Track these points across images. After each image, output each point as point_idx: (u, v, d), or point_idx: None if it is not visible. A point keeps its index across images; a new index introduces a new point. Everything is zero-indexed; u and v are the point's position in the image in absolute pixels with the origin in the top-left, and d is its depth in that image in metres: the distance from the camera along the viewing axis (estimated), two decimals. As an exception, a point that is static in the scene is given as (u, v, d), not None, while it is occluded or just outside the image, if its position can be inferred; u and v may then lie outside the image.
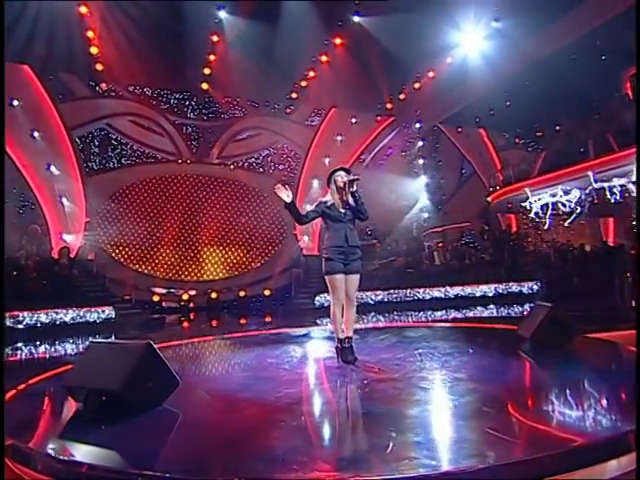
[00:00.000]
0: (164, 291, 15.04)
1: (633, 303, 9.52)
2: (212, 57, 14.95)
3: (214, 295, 15.38)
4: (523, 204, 14.74)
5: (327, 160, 17.24)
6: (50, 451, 2.43)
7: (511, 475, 1.89)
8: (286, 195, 3.98)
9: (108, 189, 15.47)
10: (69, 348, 8.25)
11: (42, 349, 8.41)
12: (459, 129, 19.70)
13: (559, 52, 13.29)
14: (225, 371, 4.36)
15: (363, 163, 18.34)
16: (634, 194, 12.00)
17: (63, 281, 11.55)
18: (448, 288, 14.04)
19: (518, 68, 14.55)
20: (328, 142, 17.54)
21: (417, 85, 16.87)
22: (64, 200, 14.12)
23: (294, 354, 4.83)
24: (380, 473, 1.88)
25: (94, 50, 13.63)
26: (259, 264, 16.98)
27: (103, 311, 11.10)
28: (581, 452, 2.08)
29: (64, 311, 10.54)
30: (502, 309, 11.90)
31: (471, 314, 11.11)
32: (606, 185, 12.20)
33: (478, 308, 12.34)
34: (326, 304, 10.69)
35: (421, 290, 13.91)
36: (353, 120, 17.82)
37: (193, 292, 15.32)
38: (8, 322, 9.86)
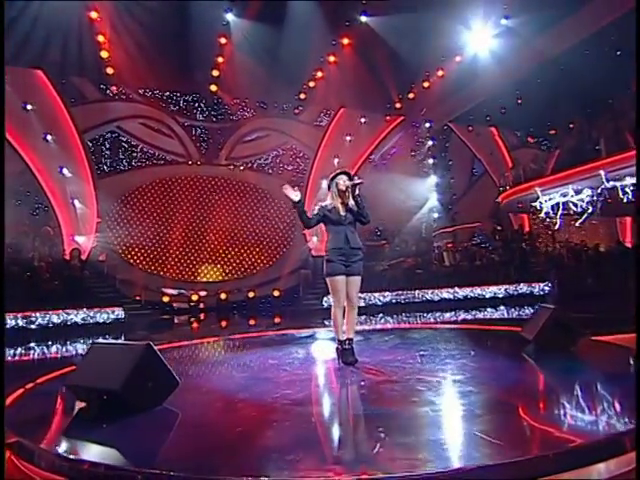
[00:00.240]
0: (175, 292, 15.19)
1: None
2: (220, 59, 15.08)
3: (223, 296, 15.49)
4: (533, 204, 14.55)
5: (336, 160, 17.24)
6: (53, 448, 2.49)
7: (498, 476, 1.88)
8: (294, 195, 4.01)
9: (119, 191, 15.68)
10: (79, 348, 8.39)
11: (54, 349, 8.56)
12: (470, 128, 19.55)
13: (571, 49, 13.11)
14: (226, 372, 4.39)
15: (372, 163, 18.31)
16: None
17: (75, 282, 11.75)
18: (457, 289, 13.92)
19: (529, 66, 14.39)
20: (337, 142, 17.53)
21: (426, 84, 16.79)
22: (76, 202, 14.36)
23: (296, 355, 4.84)
24: (366, 473, 1.89)
25: (105, 54, 13.89)
26: (268, 265, 17.06)
27: (113, 312, 11.27)
28: (571, 454, 2.06)
29: (75, 312, 10.72)
30: (512, 310, 11.76)
31: (480, 316, 11.01)
32: (618, 184, 11.98)
33: (488, 309, 12.23)
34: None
35: (430, 291, 13.83)
36: (362, 120, 17.80)
37: (203, 293, 15.45)
38: (21, 322, 10.07)
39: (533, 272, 14.82)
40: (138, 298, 13.75)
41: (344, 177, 4.23)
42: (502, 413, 2.72)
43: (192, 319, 13.31)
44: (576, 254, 15.32)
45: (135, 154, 16.70)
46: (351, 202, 4.16)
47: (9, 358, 7.37)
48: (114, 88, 15.75)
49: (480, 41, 14.44)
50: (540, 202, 14.18)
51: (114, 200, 15.48)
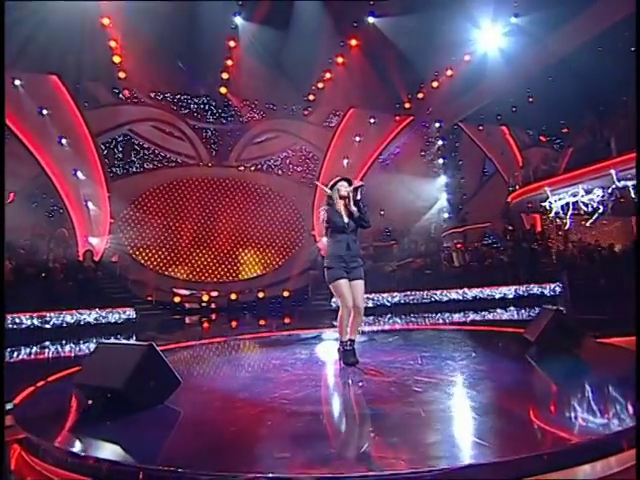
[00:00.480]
0: (187, 292, 15.38)
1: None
2: (230, 62, 15.25)
3: (234, 296, 15.63)
4: (543, 204, 14.37)
5: (346, 161, 17.28)
6: (59, 444, 2.59)
7: (485, 476, 1.92)
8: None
9: (131, 193, 15.91)
10: (91, 347, 8.56)
11: (67, 348, 8.77)
12: (480, 127, 19.39)
13: (583, 46, 12.91)
14: (229, 371, 4.47)
15: (382, 163, 18.28)
16: None
17: (88, 283, 11.98)
18: (466, 290, 13.83)
19: (539, 65, 14.22)
20: (347, 143, 17.54)
21: (435, 84, 16.72)
22: (89, 204, 14.64)
23: (299, 356, 4.90)
24: (353, 471, 1.94)
25: (117, 59, 14.17)
26: (278, 266, 17.16)
27: (124, 312, 11.47)
28: (559, 454, 2.08)
29: (88, 312, 10.95)
30: (523, 312, 11.64)
31: (489, 317, 10.93)
32: (630, 184, 11.77)
33: (498, 310, 12.13)
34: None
35: (439, 292, 13.76)
36: (372, 120, 17.77)
37: (215, 293, 15.61)
38: (36, 322, 10.32)
39: (544, 272, 14.64)
40: (149, 298, 13.95)
41: (345, 184, 4.27)
42: (494, 414, 2.73)
43: (203, 319, 13.47)
44: (589, 254, 15.09)
45: (147, 156, 16.93)
46: (353, 208, 4.19)
47: (24, 357, 7.60)
48: (126, 92, 15.99)
49: (490, 40, 14.33)
50: (550, 202, 14.00)
51: (126, 202, 15.71)
